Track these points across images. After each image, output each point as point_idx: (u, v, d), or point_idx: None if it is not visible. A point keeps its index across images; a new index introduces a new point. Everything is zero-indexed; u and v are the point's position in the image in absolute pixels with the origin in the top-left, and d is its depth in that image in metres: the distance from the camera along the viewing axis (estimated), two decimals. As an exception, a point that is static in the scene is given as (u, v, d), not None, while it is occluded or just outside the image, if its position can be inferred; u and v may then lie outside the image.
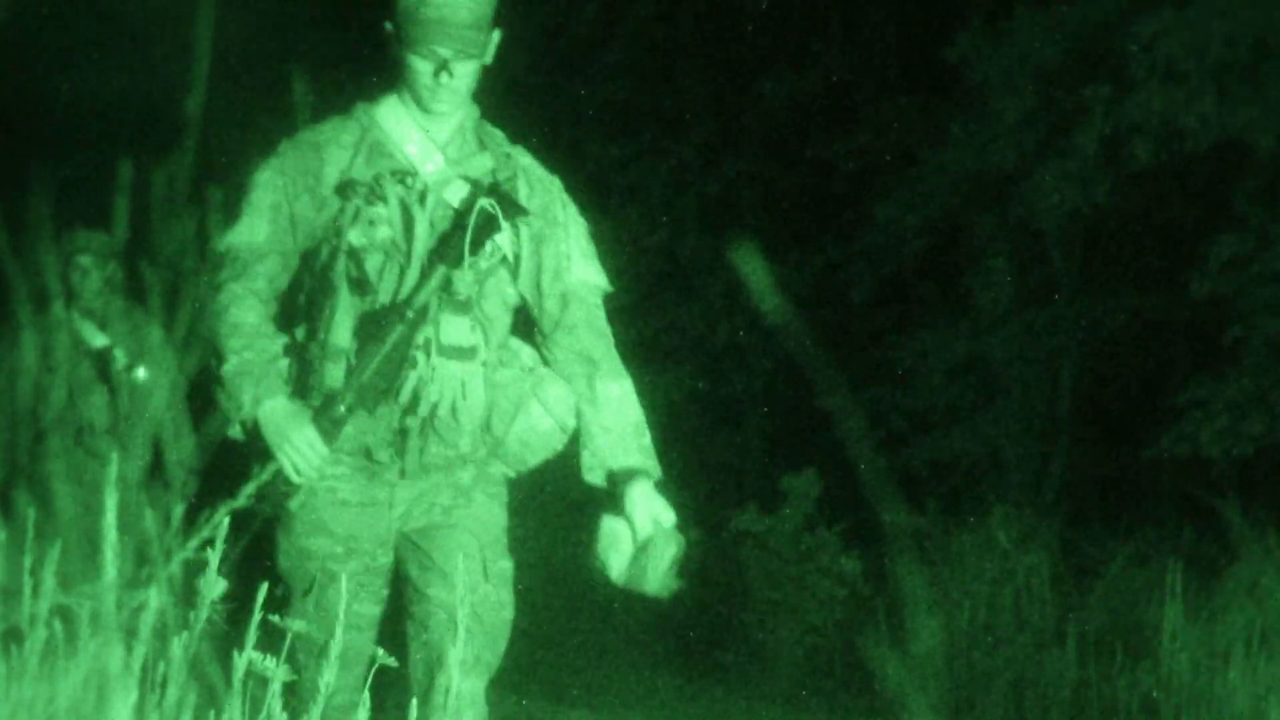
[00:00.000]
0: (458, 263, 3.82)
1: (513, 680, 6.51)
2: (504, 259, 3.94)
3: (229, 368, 3.83)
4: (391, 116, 3.94)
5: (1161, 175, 9.98)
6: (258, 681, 2.78)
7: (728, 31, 13.37)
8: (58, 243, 6.91)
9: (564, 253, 4.01)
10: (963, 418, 11.16)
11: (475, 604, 3.93)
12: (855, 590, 9.37)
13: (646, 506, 3.90)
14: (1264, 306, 9.13)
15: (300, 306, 3.94)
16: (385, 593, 4.01)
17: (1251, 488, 9.10)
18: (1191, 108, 9.04)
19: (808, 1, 12.85)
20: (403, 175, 3.89)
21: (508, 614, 4.00)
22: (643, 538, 3.89)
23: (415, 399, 3.84)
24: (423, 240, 3.85)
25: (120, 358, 6.95)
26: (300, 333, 3.92)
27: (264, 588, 2.78)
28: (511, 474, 4.07)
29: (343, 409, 3.80)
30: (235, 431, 3.88)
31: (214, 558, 2.70)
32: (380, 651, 3.25)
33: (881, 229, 11.70)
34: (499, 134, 4.05)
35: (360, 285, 3.85)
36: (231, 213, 3.96)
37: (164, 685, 2.65)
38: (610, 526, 3.93)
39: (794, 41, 13.04)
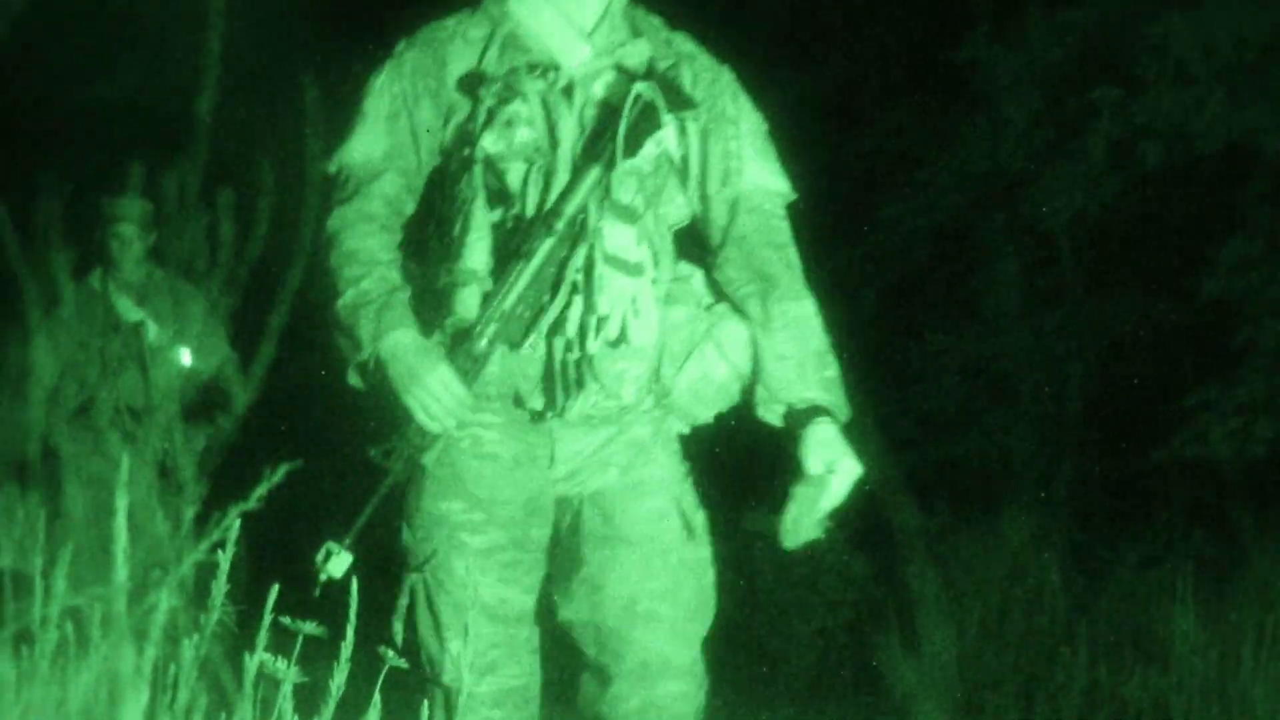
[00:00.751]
0: (613, 163, 3.18)
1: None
2: (670, 161, 3.32)
3: (344, 301, 3.20)
4: (527, 5, 3.32)
5: (1171, 178, 9.98)
6: (269, 683, 2.78)
7: (731, 34, 13.36)
8: (98, 210, 6.45)
9: (733, 152, 3.37)
10: (972, 420, 11.15)
11: (674, 569, 3.30)
12: (865, 591, 9.37)
13: (821, 451, 3.26)
14: (1273, 309, 9.13)
15: (429, 231, 3.33)
16: (539, 577, 3.34)
17: (1262, 490, 9.09)
18: (1201, 110, 9.04)
19: (813, 3, 12.85)
20: (542, 69, 3.26)
21: (713, 575, 3.38)
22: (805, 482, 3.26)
23: (581, 327, 3.19)
24: (570, 141, 3.22)
25: (153, 331, 6.34)
26: (427, 260, 3.31)
27: (275, 589, 2.77)
28: (685, 429, 3.44)
29: (484, 343, 3.17)
30: (354, 379, 3.27)
31: (224, 560, 2.69)
32: (391, 654, 3.20)
33: (889, 231, 11.70)
34: (656, 19, 3.45)
35: (499, 197, 3.22)
36: (343, 128, 3.37)
37: (174, 687, 2.66)
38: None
39: (799, 43, 13.04)
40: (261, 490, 2.61)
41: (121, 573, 2.48)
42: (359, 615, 2.76)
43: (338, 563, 3.17)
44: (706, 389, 3.36)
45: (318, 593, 3.14)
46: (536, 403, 3.26)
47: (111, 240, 6.45)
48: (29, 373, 5.96)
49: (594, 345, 3.21)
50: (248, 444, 5.78)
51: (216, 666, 2.92)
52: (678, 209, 3.37)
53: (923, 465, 11.02)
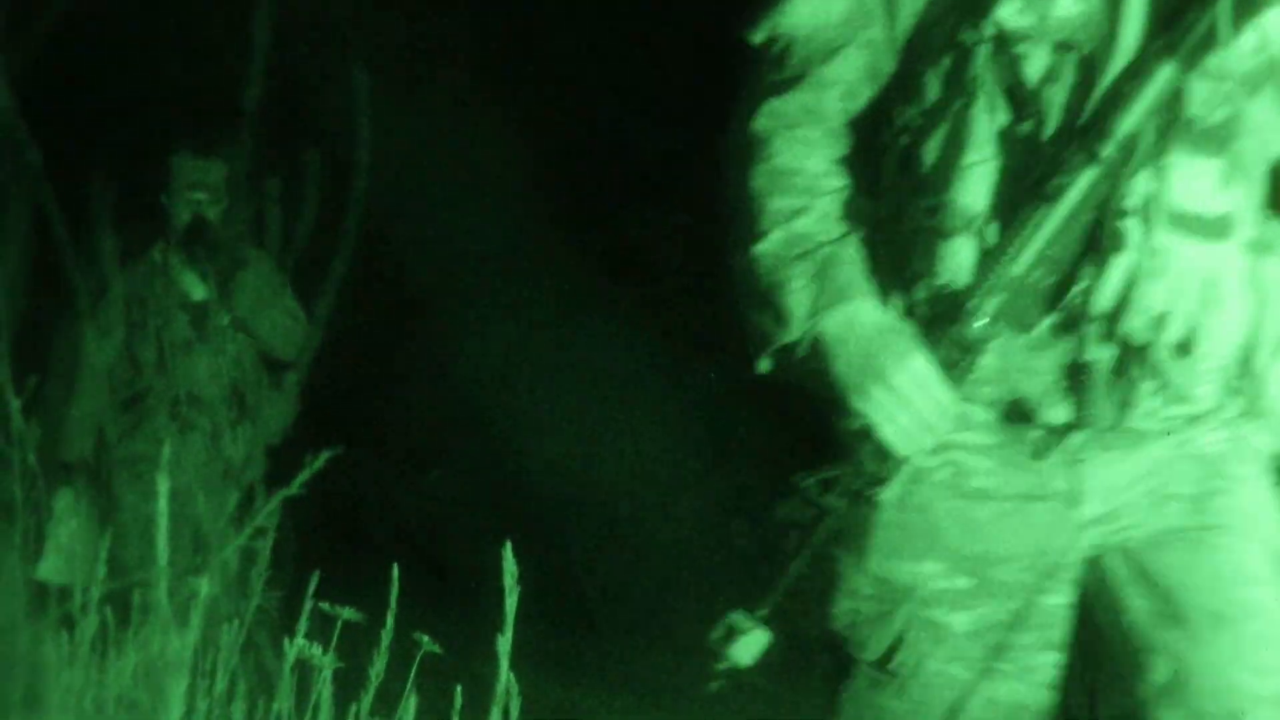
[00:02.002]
0: (1201, 54, 2.06)
1: (552, 669, 6.54)
2: (1275, 60, 2.12)
3: (767, 245, 2.17)
4: None
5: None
6: (307, 669, 2.79)
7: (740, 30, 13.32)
8: (167, 173, 5.52)
9: None
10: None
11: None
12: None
13: None
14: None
15: (896, 143, 2.21)
16: (1054, 661, 2.22)
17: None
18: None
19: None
20: None
21: None
22: None
23: (1121, 305, 2.09)
24: (1135, 21, 2.08)
25: (223, 312, 5.52)
26: (885, 189, 2.22)
27: (315, 575, 2.77)
28: (1274, 444, 2.27)
29: (982, 324, 2.10)
30: (767, 364, 2.22)
31: (265, 547, 2.70)
32: (426, 639, 3.15)
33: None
34: None
35: (1014, 100, 2.11)
36: None
37: (213, 672, 2.67)
38: None
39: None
40: (303, 477, 2.61)
41: (163, 558, 2.49)
42: (398, 602, 2.76)
43: (748, 645, 2.34)
44: None
45: (716, 686, 2.31)
46: (1054, 413, 2.17)
47: (183, 210, 5.47)
48: (80, 362, 5.53)
49: (1147, 328, 2.13)
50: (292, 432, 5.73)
51: (261, 652, 2.93)
52: (1278, 133, 2.20)
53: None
